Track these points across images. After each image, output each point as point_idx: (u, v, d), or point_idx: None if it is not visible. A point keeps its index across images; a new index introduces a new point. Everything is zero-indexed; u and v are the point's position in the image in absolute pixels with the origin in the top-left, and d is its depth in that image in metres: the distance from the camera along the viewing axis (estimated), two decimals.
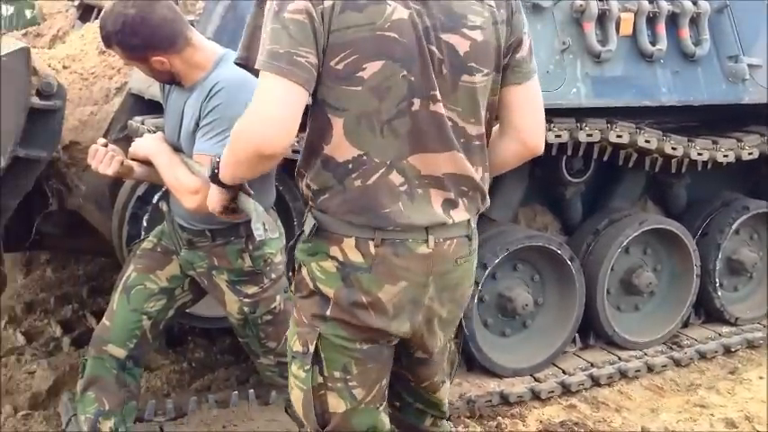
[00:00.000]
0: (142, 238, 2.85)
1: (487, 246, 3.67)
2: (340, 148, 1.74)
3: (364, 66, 1.69)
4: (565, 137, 3.53)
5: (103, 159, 2.36)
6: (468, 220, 1.86)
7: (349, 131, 1.72)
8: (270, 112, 1.64)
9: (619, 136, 3.63)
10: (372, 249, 1.76)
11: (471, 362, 3.72)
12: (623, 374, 3.91)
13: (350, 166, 1.74)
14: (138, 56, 2.29)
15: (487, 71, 1.80)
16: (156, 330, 2.60)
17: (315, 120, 1.77)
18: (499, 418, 3.52)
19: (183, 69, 2.33)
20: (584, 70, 3.49)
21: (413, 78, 1.72)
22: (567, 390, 3.74)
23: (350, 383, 1.85)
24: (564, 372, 3.85)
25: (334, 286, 1.79)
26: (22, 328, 4.10)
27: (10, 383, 3.58)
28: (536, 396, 3.68)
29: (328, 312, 1.81)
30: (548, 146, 3.55)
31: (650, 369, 3.98)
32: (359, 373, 1.85)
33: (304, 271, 1.84)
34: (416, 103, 1.73)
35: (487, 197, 1.90)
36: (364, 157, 1.73)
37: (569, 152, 3.67)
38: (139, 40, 2.24)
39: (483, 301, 3.76)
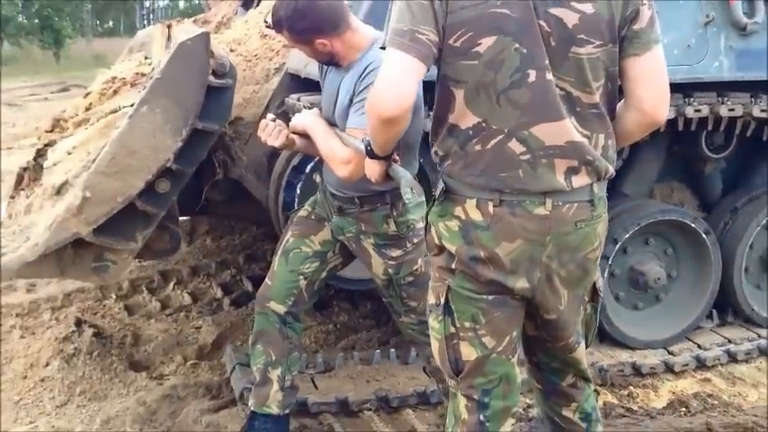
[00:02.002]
0: (297, 207, 3.08)
1: (618, 220, 3.69)
2: (462, 116, 1.91)
3: (479, 41, 1.84)
4: (705, 111, 3.51)
5: (272, 133, 2.61)
6: (591, 186, 1.94)
7: (469, 101, 1.89)
8: (389, 81, 1.84)
9: (763, 110, 3.58)
10: (491, 209, 1.91)
11: (602, 334, 3.74)
12: (762, 352, 3.87)
13: (470, 132, 1.91)
14: (305, 39, 2.51)
15: (599, 43, 1.87)
16: (311, 290, 2.86)
17: (440, 93, 1.95)
18: (631, 387, 3.58)
19: (343, 51, 2.52)
20: (728, 43, 3.46)
21: (525, 51, 1.83)
22: (702, 364, 3.75)
23: (479, 332, 2.00)
24: (699, 346, 3.85)
25: (456, 243, 1.96)
26: (188, 289, 4.49)
27: (180, 336, 3.96)
28: (669, 369, 3.70)
29: (454, 266, 1.98)
30: (687, 121, 3.54)
31: None
32: (487, 322, 1.99)
33: (432, 231, 2.02)
34: (532, 74, 1.85)
35: (611, 164, 1.98)
36: (483, 124, 1.89)
37: (710, 127, 3.64)
38: (307, 25, 2.46)
39: (614, 276, 3.79)
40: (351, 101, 2.51)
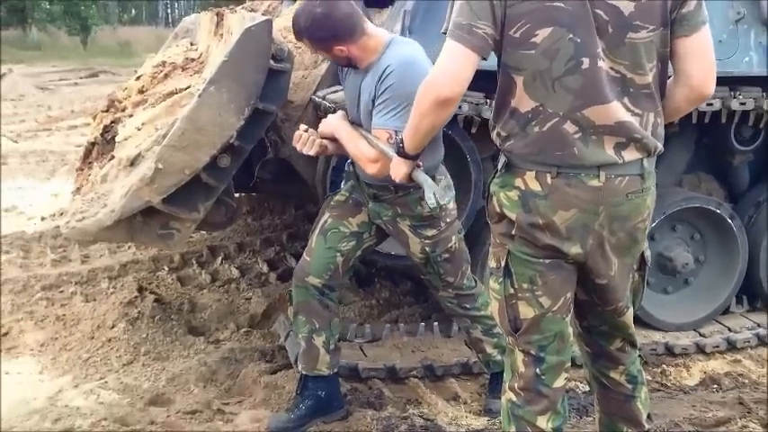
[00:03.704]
0: (335, 191, 3.23)
1: None
2: (522, 100, 2.09)
3: (537, 32, 2.01)
4: (717, 105, 3.62)
5: (306, 142, 2.83)
6: (642, 161, 2.08)
7: (527, 87, 2.07)
8: (446, 67, 2.02)
9: None
10: (549, 180, 2.07)
11: (634, 316, 3.87)
12: None
13: (529, 115, 2.08)
14: (324, 46, 2.70)
15: (653, 27, 2.02)
16: (346, 266, 3.03)
17: (502, 80, 2.13)
18: (664, 366, 3.72)
19: (359, 55, 2.70)
20: (757, 39, 3.58)
21: (579, 40, 1.99)
22: (732, 346, 3.87)
23: (536, 293, 2.16)
24: (730, 329, 3.96)
25: (516, 211, 2.13)
26: (235, 264, 4.69)
27: (231, 306, 4.17)
28: (701, 350, 3.83)
29: (513, 232, 2.15)
30: (700, 114, 3.64)
31: None
32: (543, 284, 2.15)
33: (494, 200, 2.20)
34: (585, 62, 2.00)
35: (660, 141, 2.13)
36: (540, 108, 2.07)
37: (723, 120, 3.76)
38: (325, 33, 2.65)
39: None
40: (373, 102, 2.68)
